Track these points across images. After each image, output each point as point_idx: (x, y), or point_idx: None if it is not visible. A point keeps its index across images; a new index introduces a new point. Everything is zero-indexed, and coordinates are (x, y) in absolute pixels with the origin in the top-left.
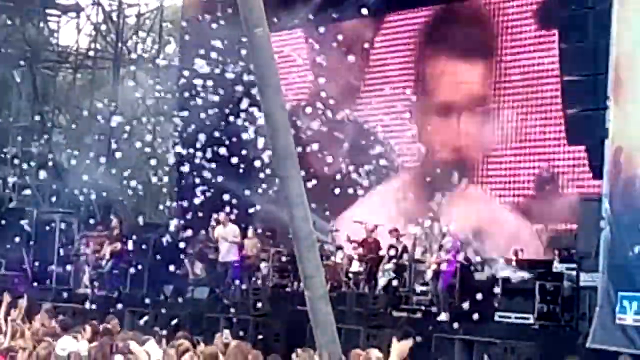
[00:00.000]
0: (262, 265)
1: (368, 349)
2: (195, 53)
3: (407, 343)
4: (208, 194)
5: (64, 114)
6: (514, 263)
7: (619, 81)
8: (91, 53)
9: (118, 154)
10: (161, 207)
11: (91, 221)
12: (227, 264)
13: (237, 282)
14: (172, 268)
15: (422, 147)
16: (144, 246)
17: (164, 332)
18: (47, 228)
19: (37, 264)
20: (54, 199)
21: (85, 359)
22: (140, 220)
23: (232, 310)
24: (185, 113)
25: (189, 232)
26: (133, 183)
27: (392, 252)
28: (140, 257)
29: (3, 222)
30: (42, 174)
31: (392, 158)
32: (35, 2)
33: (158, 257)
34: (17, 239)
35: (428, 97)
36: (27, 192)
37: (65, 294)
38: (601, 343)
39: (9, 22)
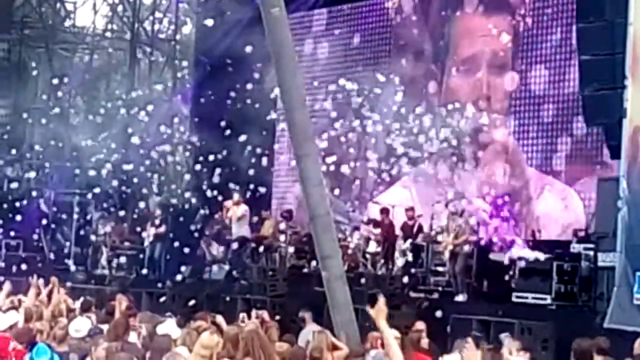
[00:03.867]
0: (280, 245)
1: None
2: (212, 34)
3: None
4: (225, 175)
5: (81, 95)
6: (531, 244)
7: (637, 60)
8: (107, 34)
9: (134, 135)
10: (178, 188)
11: (109, 201)
12: (241, 240)
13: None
14: (188, 250)
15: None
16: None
17: (180, 316)
18: (65, 209)
19: (54, 245)
20: (71, 179)
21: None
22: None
23: (249, 291)
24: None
25: (206, 213)
26: (149, 164)
27: (407, 231)
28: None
29: (21, 203)
30: (60, 155)
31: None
32: None
33: (175, 238)
34: (34, 220)
35: None
36: (45, 172)
37: (82, 275)
38: (619, 323)
39: (25, 3)
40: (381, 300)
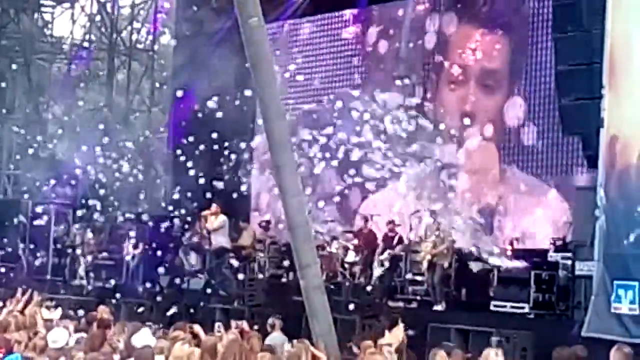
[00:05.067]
0: (258, 255)
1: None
2: (190, 44)
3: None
4: (202, 184)
5: (59, 104)
6: (509, 252)
7: (614, 70)
8: (85, 44)
9: (113, 145)
10: (156, 197)
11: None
12: (219, 250)
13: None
14: (167, 259)
15: None
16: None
17: (160, 325)
18: (43, 219)
19: (32, 255)
20: (49, 190)
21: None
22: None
23: (228, 301)
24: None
25: (184, 223)
26: (128, 173)
27: (388, 242)
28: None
29: None
30: (37, 165)
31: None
32: None
33: (153, 248)
34: (12, 231)
35: None
36: (22, 183)
37: (60, 285)
38: (596, 332)
39: (3, 13)
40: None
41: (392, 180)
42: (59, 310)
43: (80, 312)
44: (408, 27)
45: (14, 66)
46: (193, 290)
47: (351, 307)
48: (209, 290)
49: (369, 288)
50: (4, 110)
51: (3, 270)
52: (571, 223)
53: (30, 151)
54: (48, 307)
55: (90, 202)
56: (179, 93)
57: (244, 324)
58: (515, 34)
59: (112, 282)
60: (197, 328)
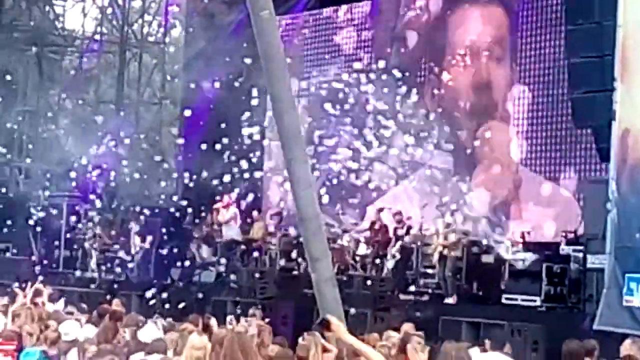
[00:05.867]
0: (270, 248)
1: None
2: (201, 37)
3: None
4: (213, 177)
5: (70, 98)
6: (521, 245)
7: (626, 62)
8: (97, 37)
9: (124, 137)
10: (167, 190)
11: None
12: (230, 243)
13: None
14: (179, 251)
15: None
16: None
17: (169, 319)
18: (54, 212)
19: (44, 248)
20: (60, 183)
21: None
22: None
23: (239, 293)
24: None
25: (196, 216)
26: (139, 166)
27: (398, 233)
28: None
29: (10, 206)
30: (49, 158)
31: None
32: None
33: (165, 240)
34: (24, 223)
35: None
36: (34, 176)
37: (71, 278)
38: (608, 325)
39: (15, 6)
40: (332, 319)
41: (404, 176)
42: (62, 302)
43: (89, 305)
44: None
45: (25, 59)
46: (204, 282)
47: (363, 300)
48: (220, 283)
49: (380, 281)
50: (15, 103)
51: (14, 262)
52: (583, 216)
53: (42, 144)
54: (52, 300)
55: (102, 195)
56: (191, 85)
57: (257, 316)
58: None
59: (124, 275)
60: (213, 321)
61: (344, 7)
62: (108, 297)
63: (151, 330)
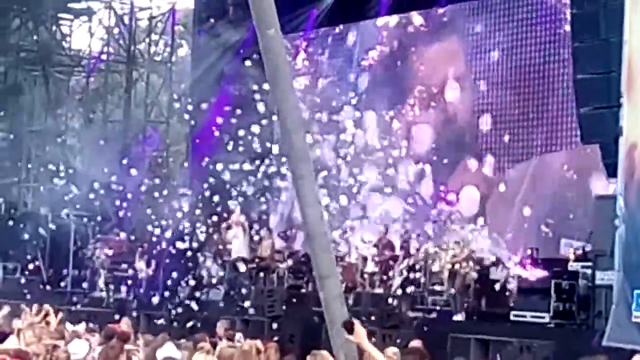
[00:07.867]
0: (278, 266)
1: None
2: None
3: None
4: (221, 196)
5: (78, 117)
6: (529, 262)
7: (632, 78)
8: (103, 57)
9: (131, 157)
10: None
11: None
12: (238, 261)
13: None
14: (186, 270)
15: None
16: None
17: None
18: (62, 232)
19: (52, 268)
20: (68, 202)
21: None
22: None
23: (248, 312)
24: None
25: (204, 234)
26: (146, 185)
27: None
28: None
29: (18, 226)
30: (56, 178)
31: None
32: (48, 6)
33: (173, 259)
34: (32, 243)
35: None
36: (42, 196)
37: (80, 298)
38: (617, 341)
39: (22, 26)
40: (357, 322)
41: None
42: (83, 324)
43: (97, 324)
44: None
45: (32, 79)
46: (212, 301)
47: (371, 317)
48: (228, 302)
49: (388, 298)
50: (23, 123)
51: (23, 282)
52: (591, 232)
53: (50, 164)
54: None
55: (109, 214)
56: (200, 105)
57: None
58: None
59: (132, 294)
60: (238, 335)
61: None
62: (116, 316)
63: (170, 350)
